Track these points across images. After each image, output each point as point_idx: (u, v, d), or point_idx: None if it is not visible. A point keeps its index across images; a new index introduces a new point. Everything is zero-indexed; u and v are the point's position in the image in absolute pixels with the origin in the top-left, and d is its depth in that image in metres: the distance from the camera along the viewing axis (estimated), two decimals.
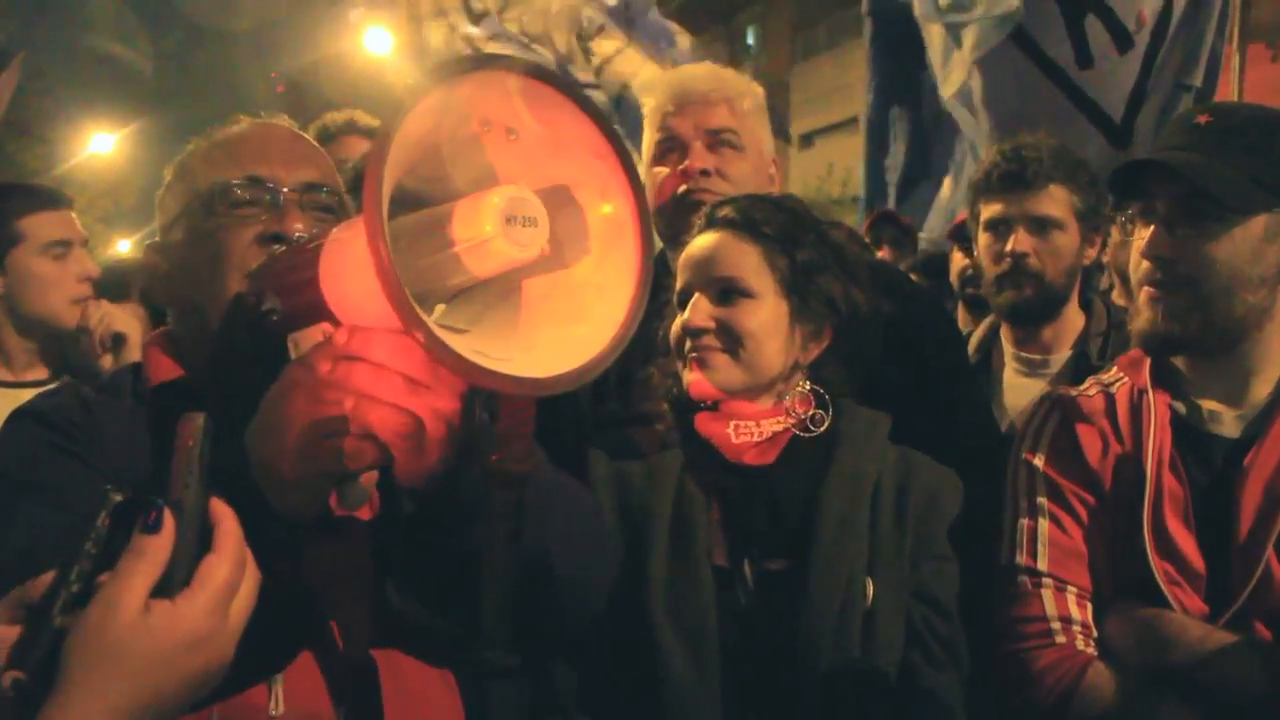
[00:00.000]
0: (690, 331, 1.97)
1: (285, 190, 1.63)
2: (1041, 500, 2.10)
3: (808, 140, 25.58)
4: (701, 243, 2.03)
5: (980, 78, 5.08)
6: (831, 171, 19.65)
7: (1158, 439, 2.01)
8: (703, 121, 2.61)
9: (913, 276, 4.97)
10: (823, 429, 1.99)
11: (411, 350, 1.15)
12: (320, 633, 1.51)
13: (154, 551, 1.04)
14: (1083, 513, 2.06)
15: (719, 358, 1.96)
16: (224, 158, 1.67)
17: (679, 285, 2.05)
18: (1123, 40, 4.81)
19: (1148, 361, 2.12)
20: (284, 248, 1.51)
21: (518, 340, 1.23)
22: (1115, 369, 2.22)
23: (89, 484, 1.43)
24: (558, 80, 1.24)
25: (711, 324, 1.97)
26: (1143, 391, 2.09)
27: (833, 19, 24.58)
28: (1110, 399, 2.14)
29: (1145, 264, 2.03)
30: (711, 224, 2.05)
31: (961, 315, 4.40)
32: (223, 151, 1.69)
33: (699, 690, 1.85)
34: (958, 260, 4.57)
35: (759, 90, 2.80)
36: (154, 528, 1.05)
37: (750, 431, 1.96)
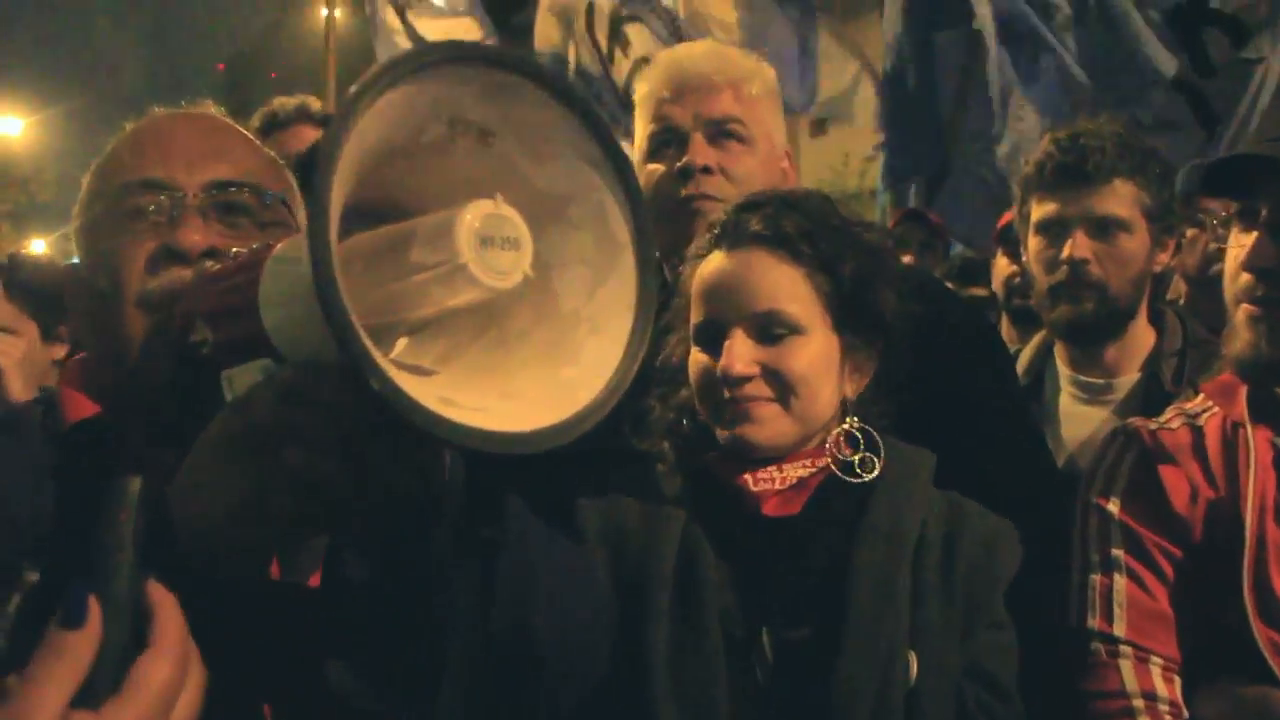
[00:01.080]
0: (731, 381, 1.88)
1: (187, 194, 1.55)
2: (1117, 553, 2.05)
3: (820, 126, 25.60)
4: (729, 266, 1.93)
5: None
6: (848, 162, 19.69)
7: (1259, 482, 1.96)
8: (704, 110, 2.55)
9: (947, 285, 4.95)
10: (873, 474, 1.92)
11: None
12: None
13: (75, 650, 0.94)
14: (1167, 568, 2.01)
15: (768, 409, 1.89)
16: (126, 158, 1.61)
17: (700, 317, 1.95)
18: (1240, 37, 4.89)
19: (1243, 389, 2.06)
20: (214, 264, 1.45)
21: (496, 384, 1.18)
22: (1202, 397, 2.17)
23: None
24: (542, 74, 1.19)
25: (756, 370, 1.88)
26: (1238, 425, 2.04)
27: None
28: (1198, 433, 2.09)
29: (1246, 277, 1.98)
30: (734, 239, 1.94)
31: (1006, 330, 4.34)
32: (126, 150, 1.63)
33: None
34: (1003, 267, 4.52)
35: (769, 72, 2.74)
36: (75, 620, 0.96)
37: (771, 478, 1.89)
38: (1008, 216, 4.47)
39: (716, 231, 1.97)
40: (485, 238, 1.10)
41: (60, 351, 4.40)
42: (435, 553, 1.32)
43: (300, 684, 1.43)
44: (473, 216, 1.10)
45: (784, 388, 1.89)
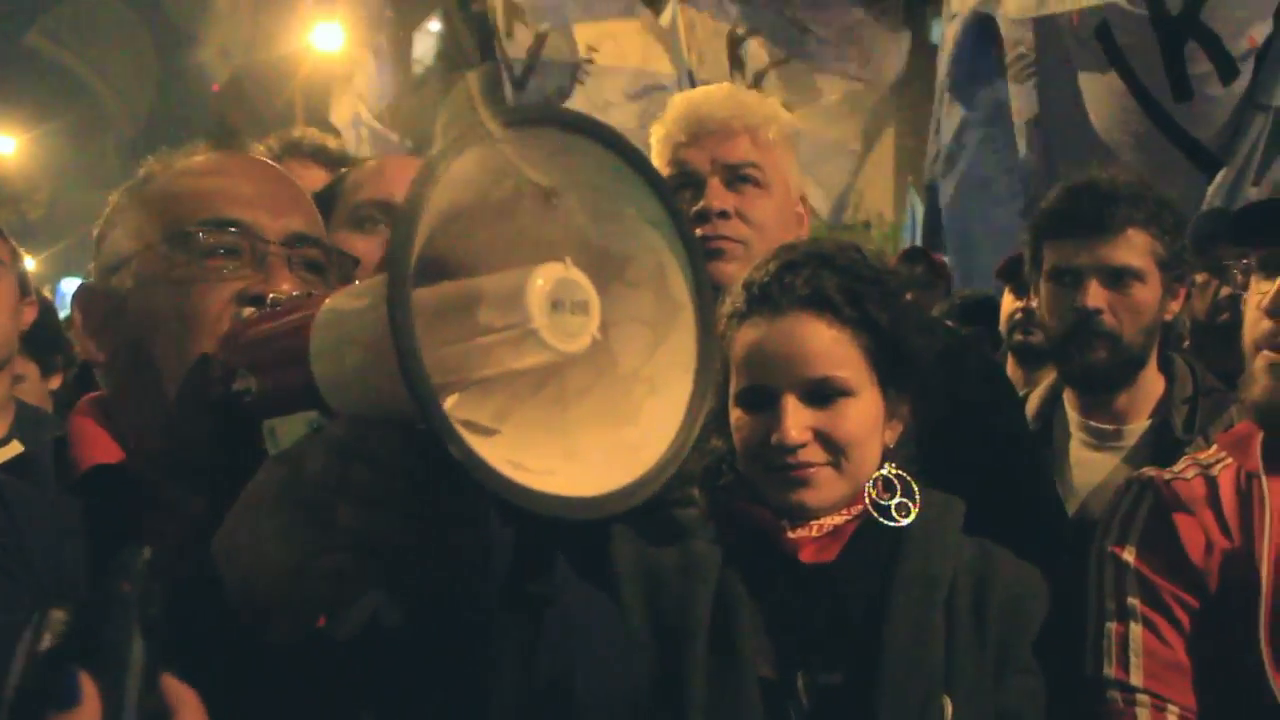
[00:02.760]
0: (788, 449, 1.89)
1: (272, 242, 1.53)
2: (1133, 602, 2.05)
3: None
4: (775, 332, 1.93)
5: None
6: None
7: (1275, 533, 1.96)
8: (721, 154, 2.57)
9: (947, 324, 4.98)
10: (909, 520, 1.94)
11: (424, 449, 1.09)
12: None
13: None
14: (1184, 618, 2.01)
15: (822, 473, 1.91)
16: (195, 194, 1.56)
17: (747, 383, 1.96)
18: (1227, 71, 4.85)
19: (1258, 440, 2.06)
20: (254, 312, 1.43)
21: (557, 443, 1.16)
22: (1215, 448, 2.16)
23: (15, 603, 1.31)
24: (606, 134, 1.18)
25: (809, 436, 1.90)
26: (1253, 476, 2.03)
27: None
28: (1212, 484, 2.09)
29: (1266, 323, 1.98)
30: (777, 303, 1.95)
31: (1010, 367, 4.34)
32: (194, 186, 1.58)
33: None
34: (1008, 303, 4.52)
35: (785, 116, 2.76)
36: (68, 701, 0.92)
37: (808, 526, 1.92)
38: (1012, 253, 4.50)
39: (755, 292, 1.98)
40: (556, 301, 1.09)
41: (56, 383, 4.35)
42: (482, 607, 1.30)
43: None
44: (544, 280, 1.08)
45: (837, 450, 1.91)
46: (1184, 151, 4.95)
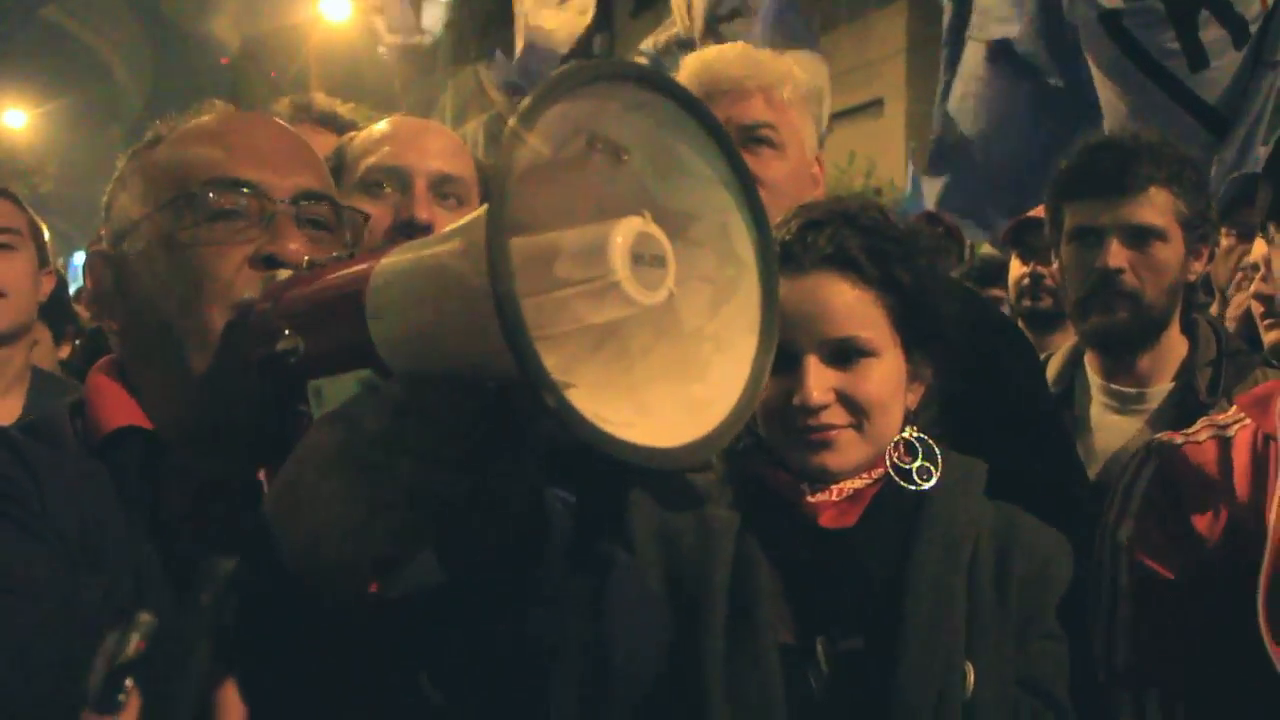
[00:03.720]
0: (810, 410, 1.86)
1: (281, 201, 1.51)
2: (1125, 581, 2.05)
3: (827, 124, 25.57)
4: (798, 291, 1.88)
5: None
6: (853, 160, 19.58)
7: None
8: (735, 115, 2.54)
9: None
10: (931, 483, 1.92)
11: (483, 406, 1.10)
12: None
13: None
14: (1173, 597, 1.98)
15: (845, 435, 1.88)
16: (200, 155, 1.54)
17: None
18: (1240, 33, 4.81)
19: (1278, 401, 2.03)
20: (290, 273, 1.42)
21: (628, 401, 1.17)
22: (1235, 409, 2.14)
23: (35, 558, 1.34)
24: (680, 93, 1.20)
25: (832, 397, 1.87)
26: (1270, 438, 2.00)
27: None
28: (1225, 446, 2.06)
29: None
30: (799, 262, 1.91)
31: None
32: (198, 146, 1.56)
33: None
34: (1016, 268, 4.50)
35: (801, 76, 2.72)
36: (107, 708, 0.98)
37: (828, 490, 1.89)
38: (1020, 217, 4.47)
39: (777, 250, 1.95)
40: (637, 255, 1.11)
41: (65, 351, 4.39)
42: (547, 569, 1.30)
43: (395, 697, 1.42)
44: (625, 234, 1.11)
45: (860, 412, 1.88)
46: (1199, 119, 4.93)
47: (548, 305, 1.12)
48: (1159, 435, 2.25)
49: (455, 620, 1.38)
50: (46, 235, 3.43)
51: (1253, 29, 4.83)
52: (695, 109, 1.20)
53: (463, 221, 1.13)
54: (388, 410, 1.15)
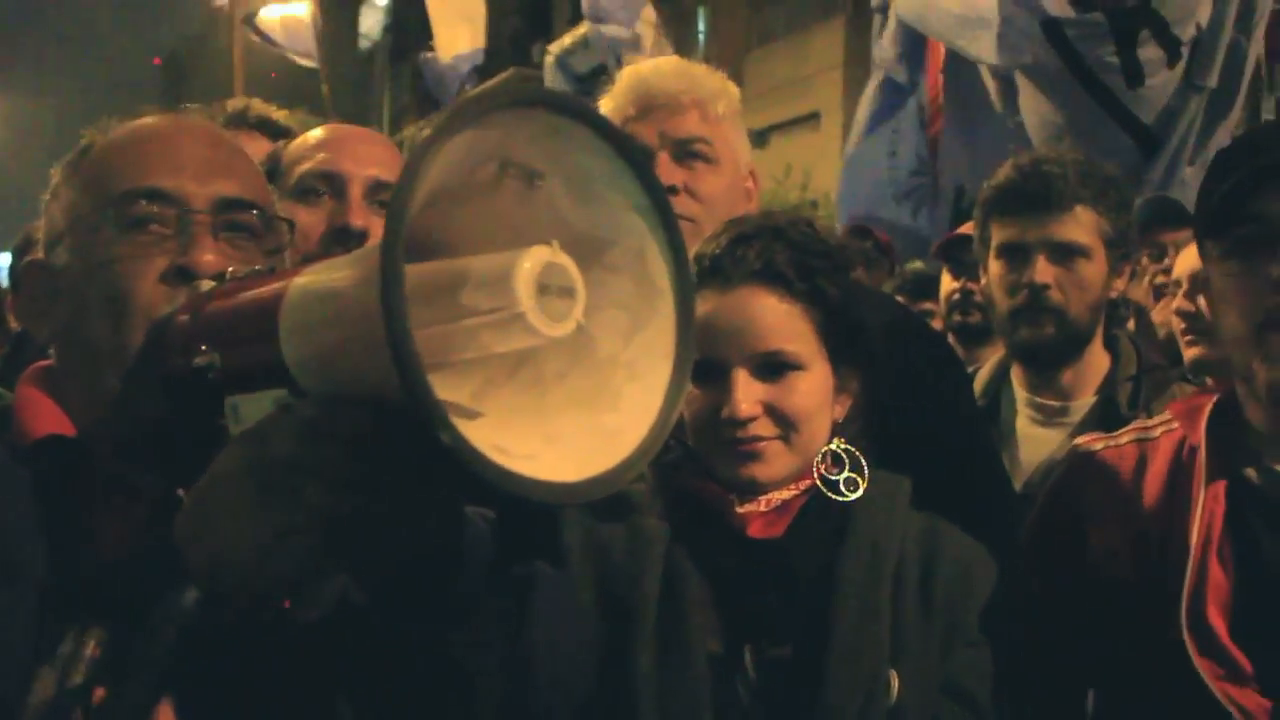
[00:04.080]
0: (739, 422, 1.88)
1: (196, 210, 1.49)
2: (1036, 590, 2.09)
3: (762, 137, 25.69)
4: (726, 305, 1.91)
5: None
6: (789, 173, 19.71)
7: (1205, 512, 1.95)
8: (670, 129, 2.55)
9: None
10: (857, 494, 1.94)
11: (396, 430, 1.09)
12: None
13: None
14: (1078, 610, 2.01)
15: (772, 447, 1.90)
16: (121, 164, 1.53)
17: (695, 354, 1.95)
18: (1174, 53, 4.94)
19: (1207, 411, 2.05)
20: (213, 285, 1.40)
21: (537, 429, 1.16)
22: (1168, 414, 2.16)
23: None
24: (595, 119, 1.19)
25: (760, 410, 1.89)
26: (1195, 449, 2.02)
27: (791, 3, 24.73)
28: (1148, 452, 2.09)
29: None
30: (728, 276, 1.93)
31: None
32: (119, 156, 1.54)
33: None
34: (947, 283, 4.55)
35: (734, 91, 2.75)
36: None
37: (756, 501, 1.91)
38: (952, 233, 4.54)
39: (706, 265, 1.95)
40: (543, 285, 1.09)
41: None
42: (461, 589, 1.29)
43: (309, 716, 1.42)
44: (532, 264, 1.09)
45: (787, 424, 1.90)
46: (1132, 136, 5.03)
47: (457, 333, 1.11)
48: (1082, 438, 2.30)
49: (369, 641, 1.36)
50: None
51: (1184, 51, 4.95)
52: (610, 135, 1.19)
53: (364, 249, 1.12)
54: (298, 431, 1.14)
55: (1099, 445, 2.18)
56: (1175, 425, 2.10)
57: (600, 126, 1.18)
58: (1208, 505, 1.95)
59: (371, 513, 1.14)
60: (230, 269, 1.42)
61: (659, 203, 1.22)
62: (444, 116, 1.07)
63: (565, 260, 1.12)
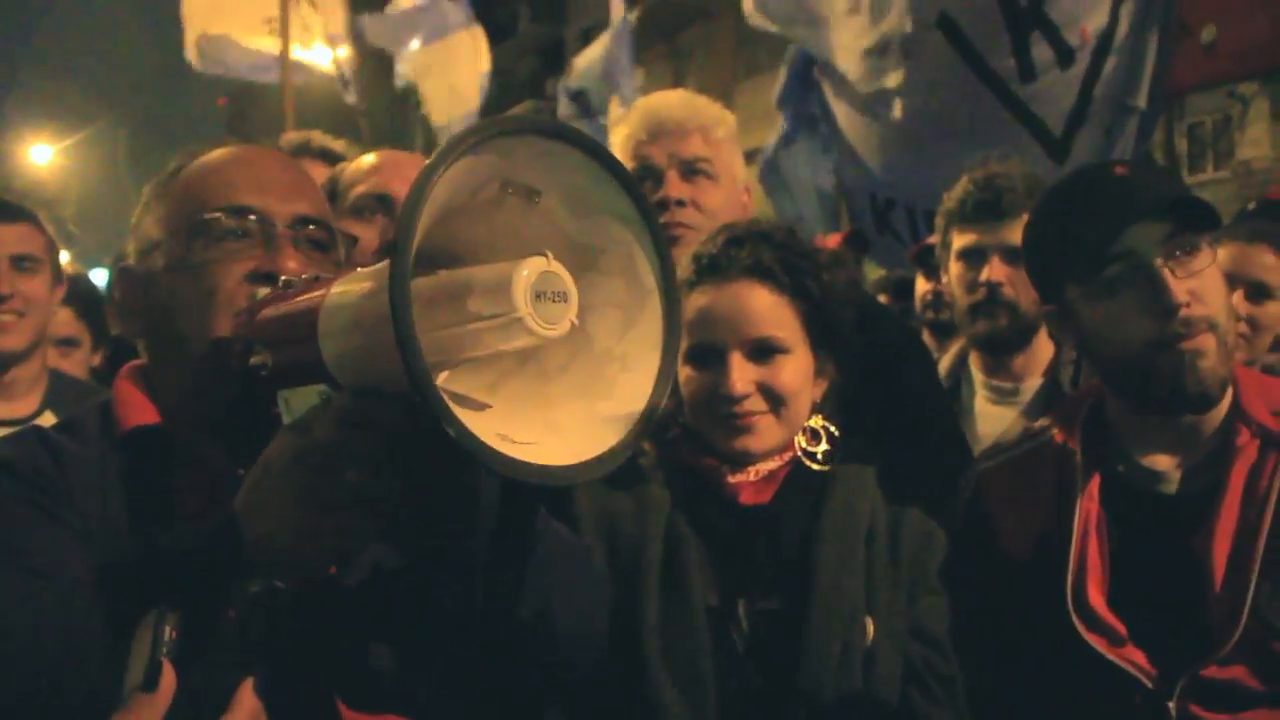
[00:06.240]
0: (735, 399, 1.90)
1: (279, 224, 1.52)
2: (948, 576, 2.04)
3: (749, 159, 25.64)
4: (722, 297, 1.95)
5: (912, 78, 5.10)
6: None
7: (1084, 507, 1.94)
8: (677, 151, 2.59)
9: (882, 298, 5.05)
10: (833, 465, 1.96)
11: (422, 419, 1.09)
12: (326, 704, 1.43)
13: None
14: (986, 596, 1.99)
15: (764, 421, 1.92)
16: (213, 184, 1.56)
17: (695, 340, 1.95)
18: (1065, 57, 4.83)
19: (1083, 413, 2.05)
20: (269, 290, 1.42)
21: (540, 418, 1.18)
22: (1050, 417, 2.15)
23: (63, 545, 1.35)
24: (584, 141, 1.20)
25: (753, 388, 1.91)
26: (1071, 451, 2.01)
27: (773, 37, 24.63)
28: (1034, 457, 2.08)
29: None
30: (723, 272, 1.96)
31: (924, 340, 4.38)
32: (211, 177, 1.58)
33: None
34: (920, 285, 4.58)
35: (731, 118, 2.78)
36: (150, 686, 1.05)
37: (746, 472, 1.93)
38: (923, 242, 4.54)
39: (704, 263, 1.98)
40: (539, 292, 1.11)
41: (96, 359, 4.33)
42: (476, 551, 1.31)
43: (357, 670, 1.43)
44: (529, 273, 1.11)
45: (776, 400, 1.92)
46: (1030, 131, 4.92)
47: (466, 335, 1.13)
48: (984, 453, 2.31)
49: (406, 598, 1.39)
50: (66, 257, 3.42)
51: (1079, 56, 4.81)
52: (598, 155, 1.20)
53: (384, 264, 1.13)
54: (336, 421, 1.16)
55: (993, 464, 2.17)
56: (1053, 428, 2.09)
57: (588, 148, 1.20)
58: (1084, 502, 1.95)
59: (399, 492, 1.16)
60: (284, 279, 1.44)
61: (644, 212, 1.24)
62: (443, 148, 1.09)
63: (559, 268, 1.13)
